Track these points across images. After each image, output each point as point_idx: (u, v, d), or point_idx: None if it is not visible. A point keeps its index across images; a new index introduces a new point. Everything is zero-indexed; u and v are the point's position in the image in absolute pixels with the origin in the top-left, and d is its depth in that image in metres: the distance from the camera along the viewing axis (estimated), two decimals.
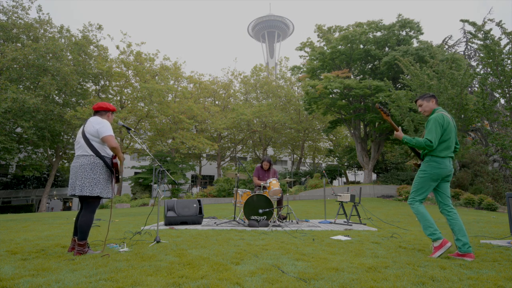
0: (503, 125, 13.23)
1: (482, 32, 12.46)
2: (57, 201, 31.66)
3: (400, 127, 3.36)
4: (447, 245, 3.04)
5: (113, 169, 3.37)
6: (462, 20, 13.97)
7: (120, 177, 3.53)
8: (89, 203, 3.28)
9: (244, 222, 5.85)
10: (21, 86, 20.63)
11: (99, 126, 3.28)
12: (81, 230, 3.16)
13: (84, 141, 3.27)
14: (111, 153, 3.40)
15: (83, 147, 3.28)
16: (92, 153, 3.25)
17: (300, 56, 24.32)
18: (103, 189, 3.27)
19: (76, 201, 32.46)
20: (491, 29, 12.41)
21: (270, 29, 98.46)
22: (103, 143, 3.33)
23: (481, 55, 13.50)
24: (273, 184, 6.12)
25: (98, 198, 3.30)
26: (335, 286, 2.11)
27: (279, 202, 6.50)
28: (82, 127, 3.40)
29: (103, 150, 3.33)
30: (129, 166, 29.24)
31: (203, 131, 29.85)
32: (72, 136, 24.92)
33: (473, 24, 12.76)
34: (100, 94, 26.24)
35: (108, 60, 25.21)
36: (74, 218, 3.47)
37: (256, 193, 5.89)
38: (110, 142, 3.28)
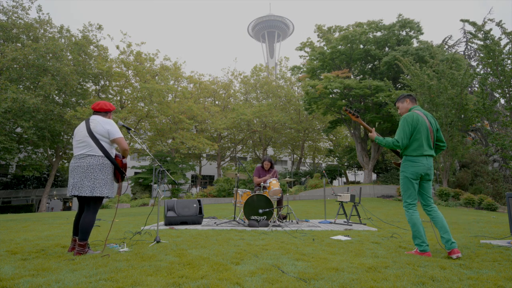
0: (503, 125, 13.24)
1: (482, 32, 12.47)
2: (57, 201, 31.64)
3: (373, 128, 3.54)
4: (428, 257, 3.05)
5: (122, 170, 3.37)
6: (462, 20, 13.98)
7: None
8: (94, 204, 3.26)
9: (244, 222, 5.85)
10: (21, 86, 20.62)
11: (109, 127, 3.28)
12: (83, 231, 3.14)
13: (92, 141, 3.22)
14: (115, 152, 3.41)
15: (90, 146, 3.23)
16: (101, 154, 3.24)
17: (300, 56, 24.33)
18: (110, 189, 3.29)
19: (76, 200, 32.43)
20: (491, 29, 12.41)
21: (270, 29, 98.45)
22: (111, 144, 3.33)
23: (481, 55, 13.51)
24: (273, 184, 6.12)
25: (102, 199, 3.31)
26: (335, 286, 2.11)
27: (279, 202, 6.50)
28: (84, 125, 3.32)
29: (111, 150, 3.34)
30: (129, 166, 29.24)
31: (203, 131, 29.84)
32: (72, 136, 24.90)
33: (473, 24, 12.76)
34: (100, 94, 26.24)
35: (108, 60, 25.20)
36: (74, 218, 3.45)
37: (256, 193, 5.89)
38: (122, 144, 3.29)
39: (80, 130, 3.32)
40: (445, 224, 3.14)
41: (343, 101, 21.81)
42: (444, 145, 3.44)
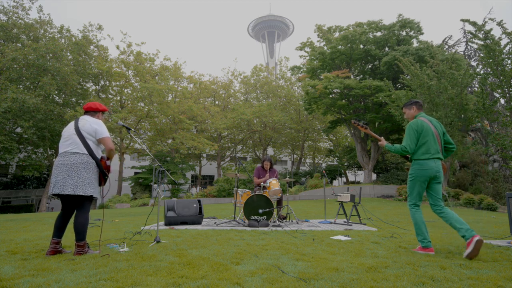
0: (503, 125, 13.23)
1: (482, 32, 12.47)
2: (57, 201, 31.59)
3: (382, 137, 3.80)
4: (430, 253, 3.24)
5: (105, 171, 3.30)
6: (462, 20, 13.98)
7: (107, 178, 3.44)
8: (83, 204, 3.21)
9: (244, 222, 5.85)
10: (21, 86, 20.61)
11: (97, 126, 3.26)
12: (78, 231, 3.11)
13: (78, 139, 3.19)
14: (100, 153, 3.37)
15: (75, 144, 3.19)
16: (86, 152, 3.19)
17: (300, 56, 24.31)
18: (94, 189, 3.21)
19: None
20: (491, 29, 12.41)
21: (270, 29, 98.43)
22: (98, 144, 3.30)
23: (481, 55, 13.51)
24: (273, 184, 6.12)
25: (91, 198, 3.25)
26: (335, 286, 2.11)
27: (279, 202, 6.50)
28: (73, 123, 3.31)
29: (96, 150, 3.30)
30: (129, 166, 29.24)
31: (203, 131, 29.84)
32: None
33: (474, 24, 12.76)
34: (100, 94, 26.23)
35: (108, 60, 25.20)
36: (55, 219, 3.38)
37: (256, 193, 5.89)
38: (108, 144, 3.26)
39: (68, 128, 3.30)
40: (458, 217, 3.23)
41: (343, 101, 21.81)
42: (454, 146, 3.59)
